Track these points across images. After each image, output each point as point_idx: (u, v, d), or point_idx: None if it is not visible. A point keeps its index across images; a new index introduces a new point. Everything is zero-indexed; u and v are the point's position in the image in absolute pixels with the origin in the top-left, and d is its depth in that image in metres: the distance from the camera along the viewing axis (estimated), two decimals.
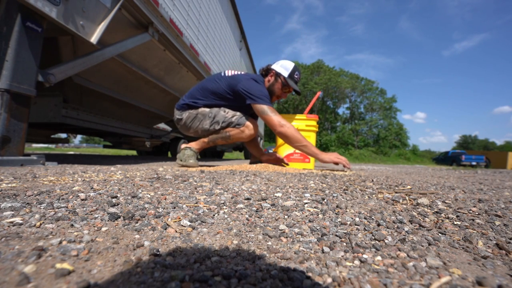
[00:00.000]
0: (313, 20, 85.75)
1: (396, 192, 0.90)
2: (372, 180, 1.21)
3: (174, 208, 0.60)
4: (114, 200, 0.62)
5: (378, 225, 0.55)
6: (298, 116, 2.54)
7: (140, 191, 0.76)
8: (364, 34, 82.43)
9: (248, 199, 0.72)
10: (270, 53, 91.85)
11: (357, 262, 0.38)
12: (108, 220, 0.50)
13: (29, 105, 1.45)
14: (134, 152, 12.96)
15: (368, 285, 0.31)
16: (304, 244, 0.44)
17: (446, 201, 0.78)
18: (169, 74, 3.24)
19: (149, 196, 0.70)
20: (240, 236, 0.46)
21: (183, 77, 3.43)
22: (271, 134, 20.62)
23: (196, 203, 0.66)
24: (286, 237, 0.46)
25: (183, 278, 0.30)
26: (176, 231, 0.47)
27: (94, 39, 1.73)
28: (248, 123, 1.93)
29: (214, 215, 0.57)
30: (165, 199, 0.68)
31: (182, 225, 0.50)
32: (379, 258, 0.39)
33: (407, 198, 0.81)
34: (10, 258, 0.32)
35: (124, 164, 2.13)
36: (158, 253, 0.37)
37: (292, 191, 0.86)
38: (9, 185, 0.78)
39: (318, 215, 0.60)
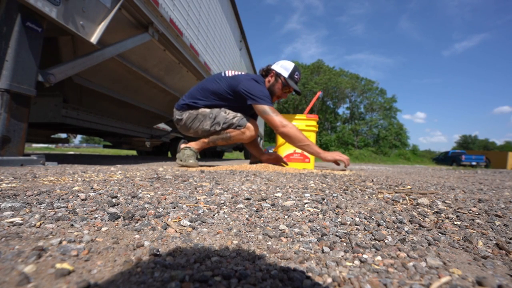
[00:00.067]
0: (313, 20, 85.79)
1: (396, 192, 0.90)
2: (372, 180, 1.21)
3: (174, 208, 0.60)
4: (114, 200, 0.62)
5: (378, 225, 0.55)
6: (298, 116, 2.54)
7: (140, 191, 0.76)
8: (364, 34, 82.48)
9: (248, 199, 0.72)
10: (270, 53, 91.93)
11: (357, 262, 0.38)
12: (108, 220, 0.50)
13: (29, 105, 1.45)
14: (134, 152, 12.96)
15: (368, 285, 0.31)
16: (304, 244, 0.44)
17: (446, 201, 0.78)
18: (169, 74, 3.24)
19: (149, 196, 0.70)
20: (240, 236, 0.46)
21: (183, 77, 3.43)
22: (271, 134, 20.63)
23: (196, 203, 0.66)
24: (286, 237, 0.46)
25: (183, 278, 0.30)
26: (176, 231, 0.47)
27: (94, 39, 1.73)
28: (249, 124, 1.93)
29: (214, 215, 0.57)
30: (165, 199, 0.68)
31: (182, 225, 0.50)
32: (379, 258, 0.39)
33: (407, 198, 0.81)
34: (10, 258, 0.32)
35: (124, 164, 2.13)
36: (158, 253, 0.37)
37: (292, 191, 0.86)
38: (9, 185, 0.78)
39: (318, 215, 0.60)
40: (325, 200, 0.74)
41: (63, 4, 1.48)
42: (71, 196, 0.64)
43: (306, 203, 0.70)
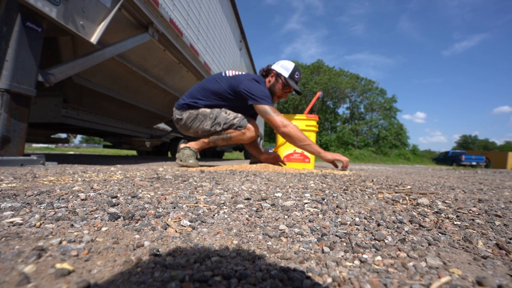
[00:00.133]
0: (313, 20, 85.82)
1: (396, 192, 0.90)
2: (372, 180, 1.21)
3: (174, 208, 0.60)
4: (114, 200, 0.62)
5: (378, 225, 0.55)
6: (298, 116, 2.54)
7: (140, 191, 0.76)
8: (364, 34, 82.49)
9: (248, 199, 0.72)
10: (270, 53, 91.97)
11: (357, 262, 0.38)
12: (108, 220, 0.50)
13: (29, 105, 1.45)
14: (134, 152, 12.96)
15: (368, 285, 0.31)
16: (304, 244, 0.44)
17: (446, 201, 0.78)
18: (169, 74, 3.24)
19: (149, 196, 0.70)
20: (240, 236, 0.46)
21: (183, 77, 3.43)
22: (271, 134, 20.62)
23: (196, 203, 0.66)
24: (286, 237, 0.46)
25: (183, 278, 0.30)
26: (176, 231, 0.47)
27: (94, 39, 1.73)
28: (249, 125, 1.94)
29: (214, 215, 0.57)
30: (165, 199, 0.68)
31: (182, 225, 0.50)
32: (379, 258, 0.39)
33: (407, 198, 0.81)
34: (10, 258, 0.32)
35: (124, 164, 2.13)
36: (158, 253, 0.37)
37: (292, 191, 0.86)
38: (9, 185, 0.78)
39: (318, 215, 0.60)
40: (325, 200, 0.74)
41: (63, 4, 1.48)
42: (71, 196, 0.64)
43: (306, 203, 0.70)
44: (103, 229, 0.46)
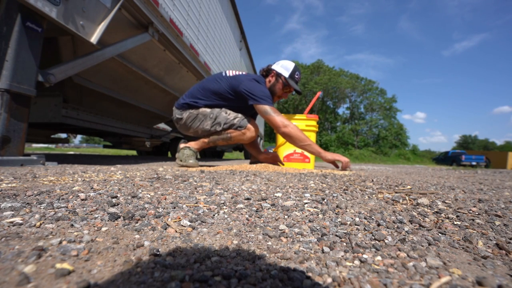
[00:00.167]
0: (313, 20, 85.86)
1: (396, 192, 0.90)
2: (372, 180, 1.21)
3: (174, 208, 0.60)
4: (114, 200, 0.62)
5: (378, 225, 0.55)
6: (298, 116, 2.54)
7: (140, 191, 0.76)
8: (364, 34, 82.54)
9: (248, 199, 0.72)
10: (270, 53, 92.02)
11: (357, 262, 0.38)
12: (108, 220, 0.50)
13: (29, 105, 1.45)
14: (134, 152, 12.96)
15: (368, 285, 0.31)
16: (304, 244, 0.44)
17: (446, 201, 0.78)
18: (169, 74, 3.24)
19: (149, 196, 0.70)
20: (240, 236, 0.46)
21: (183, 77, 3.43)
22: (271, 134, 20.62)
23: (196, 203, 0.66)
24: (286, 237, 0.46)
25: (183, 278, 0.30)
26: (176, 231, 0.47)
27: (94, 39, 1.72)
28: (249, 125, 1.94)
29: (214, 215, 0.57)
30: (165, 199, 0.68)
31: (182, 225, 0.50)
32: (379, 258, 0.39)
33: (407, 198, 0.81)
34: (10, 258, 0.32)
35: (124, 164, 2.13)
36: (158, 253, 0.37)
37: (292, 191, 0.86)
38: (9, 185, 0.78)
39: (318, 215, 0.60)
40: (325, 200, 0.74)
41: (63, 4, 1.48)
42: (71, 196, 0.64)
43: (306, 203, 0.70)
44: (103, 229, 0.46)
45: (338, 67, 31.71)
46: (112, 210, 0.55)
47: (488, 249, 0.46)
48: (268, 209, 0.64)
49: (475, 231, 0.55)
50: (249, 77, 1.93)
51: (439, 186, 1.13)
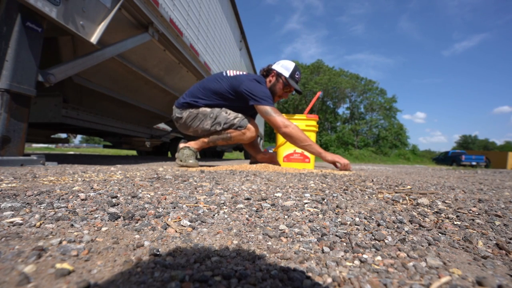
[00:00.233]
0: (313, 20, 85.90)
1: (396, 192, 0.90)
2: (372, 180, 1.21)
3: (174, 208, 0.60)
4: (114, 200, 0.62)
5: (378, 225, 0.55)
6: (298, 116, 2.54)
7: (140, 191, 0.76)
8: (364, 34, 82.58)
9: (248, 199, 0.72)
10: (270, 53, 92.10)
11: (357, 262, 0.38)
12: (108, 220, 0.50)
13: (29, 105, 1.45)
14: (134, 152, 12.96)
15: (368, 285, 0.31)
16: (304, 244, 0.44)
17: (446, 201, 0.78)
18: (169, 74, 3.24)
19: (149, 196, 0.70)
20: (240, 236, 0.46)
21: (183, 77, 3.43)
22: (271, 134, 20.62)
23: (196, 203, 0.66)
24: (286, 237, 0.46)
25: (183, 278, 0.30)
26: (176, 231, 0.47)
27: (94, 39, 1.72)
28: (249, 125, 1.94)
29: (214, 215, 0.57)
30: (165, 199, 0.68)
31: (182, 225, 0.50)
32: (379, 258, 0.39)
33: (407, 198, 0.81)
34: (10, 258, 0.32)
35: (124, 164, 2.13)
36: (158, 253, 0.37)
37: (292, 191, 0.86)
38: (9, 185, 0.78)
39: (318, 215, 0.60)
40: (325, 200, 0.74)
41: (63, 4, 1.48)
42: (71, 196, 0.64)
43: (306, 203, 0.70)
44: (103, 229, 0.46)
45: (338, 67, 31.75)
46: (112, 210, 0.55)
47: (488, 249, 0.46)
48: (268, 209, 0.64)
49: (475, 231, 0.55)
50: (250, 77, 1.93)
51: (439, 186, 1.13)
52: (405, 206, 0.73)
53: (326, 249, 0.42)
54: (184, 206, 0.62)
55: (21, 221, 0.45)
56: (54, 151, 13.04)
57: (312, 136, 2.52)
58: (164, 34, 2.49)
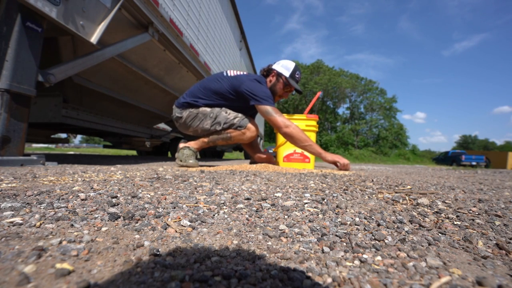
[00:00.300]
0: (313, 20, 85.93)
1: (396, 192, 0.90)
2: (372, 180, 1.21)
3: (174, 208, 0.60)
4: (114, 200, 0.62)
5: (378, 225, 0.55)
6: (298, 116, 2.54)
7: (140, 191, 0.76)
8: (364, 34, 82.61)
9: (248, 199, 0.72)
10: (270, 53, 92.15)
11: (357, 262, 0.38)
12: (108, 220, 0.50)
13: (29, 105, 1.45)
14: (134, 152, 12.96)
15: (368, 285, 0.31)
16: (304, 244, 0.44)
17: (446, 201, 0.78)
18: (169, 74, 3.24)
19: (149, 196, 0.70)
20: (240, 236, 0.46)
21: (183, 77, 3.43)
22: (271, 134, 20.62)
23: (196, 203, 0.66)
24: (286, 237, 0.46)
25: (183, 278, 0.30)
26: (176, 231, 0.47)
27: (94, 39, 1.72)
28: (249, 125, 1.94)
29: (214, 215, 0.57)
30: (165, 199, 0.68)
31: (182, 225, 0.50)
32: (379, 258, 0.39)
33: (407, 198, 0.81)
34: (10, 258, 0.32)
35: (124, 164, 2.13)
36: (158, 253, 0.37)
37: (292, 191, 0.86)
38: (9, 185, 0.78)
39: (318, 215, 0.60)
40: (325, 200, 0.74)
41: (63, 4, 1.48)
42: (71, 196, 0.64)
43: (306, 203, 0.70)
44: (103, 229, 0.46)
45: (338, 67, 31.74)
46: (112, 210, 0.55)
47: (488, 249, 0.46)
48: (268, 209, 0.64)
49: (475, 231, 0.55)
50: (251, 77, 1.93)
51: (439, 186, 1.13)
52: (405, 206, 0.73)
53: (326, 249, 0.42)
54: (184, 206, 0.62)
55: (21, 221, 0.45)
56: (54, 151, 13.04)
57: (312, 136, 2.52)
58: (164, 34, 2.49)
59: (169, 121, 4.36)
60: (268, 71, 2.09)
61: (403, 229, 0.53)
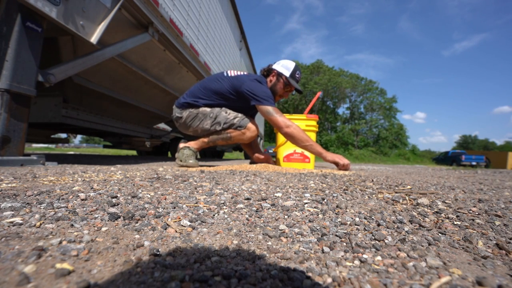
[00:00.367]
0: (313, 20, 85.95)
1: (396, 192, 0.90)
2: (372, 180, 1.21)
3: (174, 208, 0.60)
4: (114, 200, 0.62)
5: (378, 225, 0.55)
6: (298, 116, 2.54)
7: (140, 191, 0.76)
8: (364, 34, 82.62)
9: (248, 199, 0.72)
10: (270, 53, 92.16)
11: (357, 262, 0.38)
12: (108, 220, 0.50)
13: (29, 105, 1.45)
14: (134, 152, 12.96)
15: (368, 285, 0.31)
16: (304, 244, 0.44)
17: (446, 201, 0.78)
18: (169, 74, 3.24)
19: (149, 196, 0.70)
20: (240, 236, 0.46)
21: (183, 77, 3.43)
22: (271, 134, 20.62)
23: (196, 203, 0.66)
24: (286, 237, 0.46)
25: (183, 278, 0.30)
26: (176, 231, 0.47)
27: (94, 39, 1.72)
28: (249, 125, 1.94)
29: (214, 215, 0.57)
30: (165, 199, 0.68)
31: (182, 225, 0.50)
32: (379, 258, 0.39)
33: (407, 198, 0.81)
34: (10, 258, 0.32)
35: (124, 164, 2.13)
36: (158, 253, 0.37)
37: (292, 191, 0.86)
38: (9, 185, 0.78)
39: (318, 215, 0.60)
40: (325, 200, 0.74)
41: (63, 4, 1.48)
42: (71, 196, 0.64)
43: (306, 203, 0.70)
44: (103, 229, 0.46)
45: (338, 67, 31.70)
46: (112, 210, 0.55)
47: (488, 249, 0.46)
48: (268, 209, 0.64)
49: (475, 231, 0.55)
50: (251, 78, 1.93)
51: (439, 186, 1.13)
52: (405, 206, 0.73)
53: (326, 249, 0.42)
54: (184, 206, 0.62)
55: (21, 221, 0.45)
56: (54, 151, 13.04)
57: (312, 136, 2.52)
58: (164, 34, 2.49)
59: (169, 121, 4.36)
60: (268, 71, 2.09)
61: (403, 229, 0.53)
